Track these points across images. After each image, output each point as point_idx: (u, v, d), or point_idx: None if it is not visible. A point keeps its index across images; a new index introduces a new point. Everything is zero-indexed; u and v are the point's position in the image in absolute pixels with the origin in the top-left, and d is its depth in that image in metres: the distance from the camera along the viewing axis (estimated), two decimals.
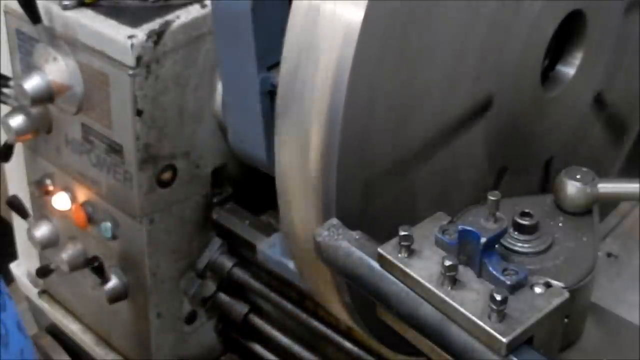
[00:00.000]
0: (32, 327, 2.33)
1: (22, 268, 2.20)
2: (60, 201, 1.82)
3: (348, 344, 1.70)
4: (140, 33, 1.52)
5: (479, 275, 0.98)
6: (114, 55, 1.54)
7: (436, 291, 0.97)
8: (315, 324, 1.74)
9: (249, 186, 1.82)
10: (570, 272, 1.08)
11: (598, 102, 1.48)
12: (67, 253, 1.84)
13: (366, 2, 1.03)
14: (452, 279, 0.97)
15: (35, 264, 2.04)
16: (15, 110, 1.71)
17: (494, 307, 0.92)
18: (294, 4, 1.09)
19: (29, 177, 1.92)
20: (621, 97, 1.55)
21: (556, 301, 0.97)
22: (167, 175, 1.68)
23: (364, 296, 1.08)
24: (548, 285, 0.98)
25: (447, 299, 0.96)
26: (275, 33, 1.19)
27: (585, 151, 1.53)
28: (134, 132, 1.58)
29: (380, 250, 1.03)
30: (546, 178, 1.46)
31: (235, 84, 1.37)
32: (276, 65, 1.22)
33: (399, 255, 1.01)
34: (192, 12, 1.59)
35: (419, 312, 0.99)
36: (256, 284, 1.83)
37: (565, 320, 1.03)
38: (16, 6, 1.59)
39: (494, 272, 0.97)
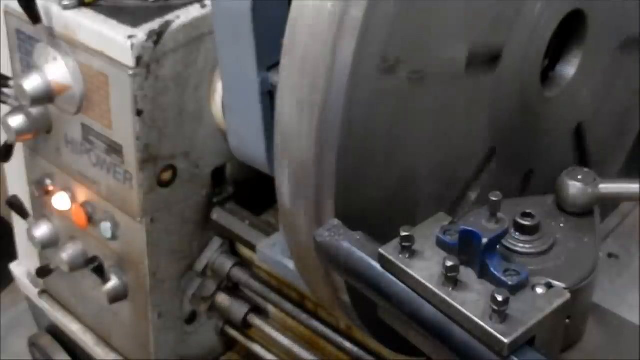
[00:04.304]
0: (32, 327, 2.33)
1: (22, 268, 2.21)
2: (60, 201, 1.82)
3: (348, 344, 1.70)
4: (140, 33, 1.52)
5: (480, 275, 0.98)
6: (114, 55, 1.54)
7: (437, 292, 0.97)
8: (315, 324, 1.75)
9: (249, 186, 1.82)
10: (572, 272, 1.08)
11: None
12: (67, 253, 1.85)
13: (366, 2, 1.02)
14: (453, 279, 0.97)
15: (35, 264, 2.04)
16: (15, 110, 1.71)
17: (496, 307, 0.92)
18: (294, 4, 1.09)
19: (29, 177, 1.92)
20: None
21: (558, 302, 0.96)
22: (167, 175, 1.68)
23: (364, 296, 1.08)
24: (549, 286, 0.98)
25: (448, 299, 0.96)
26: (275, 33, 1.19)
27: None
28: (134, 132, 1.58)
29: (381, 250, 1.02)
30: (580, 148, 1.45)
31: (235, 84, 1.36)
32: (276, 65, 1.21)
33: (400, 255, 1.01)
34: (192, 12, 1.59)
35: (420, 313, 0.99)
36: (256, 284, 1.83)
37: (567, 320, 1.03)
38: (16, 6, 1.59)
39: (496, 273, 0.97)
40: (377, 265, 1.03)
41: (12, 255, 2.23)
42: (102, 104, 1.61)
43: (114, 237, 1.76)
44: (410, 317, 1.00)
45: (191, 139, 1.69)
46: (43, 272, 1.96)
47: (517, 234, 1.10)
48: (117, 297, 1.82)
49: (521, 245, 1.10)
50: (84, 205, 1.78)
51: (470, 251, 0.98)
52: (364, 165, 1.14)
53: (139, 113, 1.57)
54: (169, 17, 1.56)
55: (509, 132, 1.32)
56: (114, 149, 1.64)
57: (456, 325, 0.96)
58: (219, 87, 1.64)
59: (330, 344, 1.74)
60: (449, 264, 0.96)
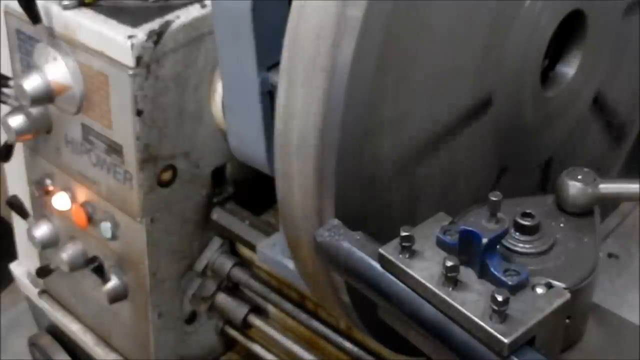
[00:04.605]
0: (32, 327, 2.33)
1: (22, 268, 2.20)
2: (60, 201, 1.82)
3: (348, 344, 1.70)
4: (140, 33, 1.52)
5: (480, 275, 0.98)
6: (114, 55, 1.54)
7: (437, 292, 0.97)
8: (315, 324, 1.74)
9: (249, 186, 1.82)
10: (572, 272, 1.08)
11: (597, 102, 1.48)
12: (67, 253, 1.85)
13: (366, 2, 1.03)
14: (453, 279, 0.97)
15: (35, 264, 2.04)
16: (15, 110, 1.71)
17: (495, 307, 0.92)
18: (294, 4, 1.09)
19: (29, 177, 1.92)
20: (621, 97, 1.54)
21: (558, 302, 0.96)
22: (167, 175, 1.68)
23: (364, 296, 1.08)
24: (549, 286, 0.98)
25: (448, 299, 0.96)
26: (275, 33, 1.19)
27: (585, 151, 1.53)
28: (134, 132, 1.58)
29: (381, 250, 1.02)
30: (545, 179, 1.46)
31: (235, 84, 1.37)
32: (276, 65, 1.21)
33: (400, 255, 1.01)
34: (192, 12, 1.59)
35: (420, 313, 0.99)
36: (256, 284, 1.83)
37: (567, 320, 1.03)
38: (16, 6, 1.59)
39: (496, 273, 0.97)
40: (377, 265, 1.03)
41: (12, 255, 2.22)
42: (102, 104, 1.61)
43: (114, 237, 1.76)
44: (410, 317, 1.00)
45: (191, 139, 1.69)
46: (43, 272, 1.96)
47: (517, 234, 1.10)
48: (117, 297, 1.82)
49: (521, 245, 1.10)
50: (84, 205, 1.78)
51: (470, 251, 0.98)
52: (364, 165, 1.14)
53: (139, 113, 1.57)
54: (169, 17, 1.56)
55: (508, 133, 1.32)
56: (114, 149, 1.64)
57: (456, 325, 0.96)
58: (219, 87, 1.64)
59: (330, 344, 1.74)
60: (449, 264, 0.96)
